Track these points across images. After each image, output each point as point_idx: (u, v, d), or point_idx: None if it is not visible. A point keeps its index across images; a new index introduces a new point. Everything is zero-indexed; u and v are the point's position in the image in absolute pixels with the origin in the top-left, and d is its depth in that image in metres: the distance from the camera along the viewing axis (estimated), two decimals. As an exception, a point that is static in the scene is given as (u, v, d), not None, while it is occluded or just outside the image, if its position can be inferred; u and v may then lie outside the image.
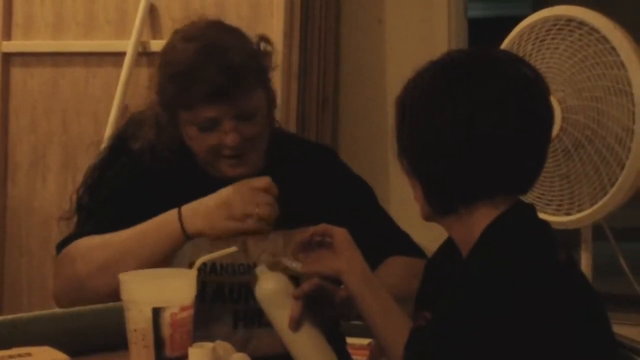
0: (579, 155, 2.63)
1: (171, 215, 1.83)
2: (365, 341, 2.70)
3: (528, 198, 2.60)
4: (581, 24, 2.64)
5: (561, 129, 2.64)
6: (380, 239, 1.86)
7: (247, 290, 1.93)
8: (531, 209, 1.61)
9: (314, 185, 2.02)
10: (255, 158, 1.93)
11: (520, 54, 2.63)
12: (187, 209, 1.83)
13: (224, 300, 1.96)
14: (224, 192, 1.82)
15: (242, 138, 1.90)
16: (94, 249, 1.85)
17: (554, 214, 2.67)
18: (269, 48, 1.99)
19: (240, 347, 1.79)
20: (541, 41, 2.68)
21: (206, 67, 1.85)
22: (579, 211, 2.67)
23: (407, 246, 2.04)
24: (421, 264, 1.84)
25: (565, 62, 2.64)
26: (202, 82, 1.85)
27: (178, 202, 1.87)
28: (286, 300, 1.74)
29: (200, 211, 1.82)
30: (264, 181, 1.81)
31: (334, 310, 1.79)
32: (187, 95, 1.88)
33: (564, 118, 2.64)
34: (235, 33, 1.94)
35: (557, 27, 2.67)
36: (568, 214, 2.68)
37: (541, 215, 2.55)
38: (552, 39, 2.67)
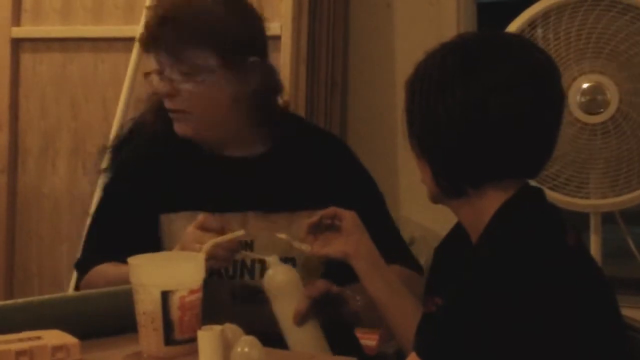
0: (635, 137, 2.59)
1: None
2: (374, 325, 2.70)
3: (560, 178, 2.58)
4: (629, 6, 2.58)
5: (618, 110, 2.60)
6: (380, 243, 1.85)
7: (242, 267, 1.95)
8: (540, 192, 1.61)
9: (321, 172, 2.02)
10: (196, 121, 1.95)
11: (551, 33, 2.59)
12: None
13: (220, 275, 1.97)
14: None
15: (175, 91, 1.94)
16: (105, 284, 1.91)
17: (587, 197, 2.62)
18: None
19: (240, 323, 1.82)
20: (582, 21, 2.59)
21: (153, 18, 1.94)
22: (622, 194, 2.63)
23: (407, 257, 2.03)
24: (418, 279, 1.85)
25: (621, 45, 2.58)
26: (144, 29, 1.96)
27: (179, 181, 1.97)
28: (293, 293, 1.76)
29: None
30: (200, 218, 1.82)
31: (339, 315, 1.81)
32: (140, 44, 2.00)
33: (621, 100, 2.60)
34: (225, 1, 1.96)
35: (600, 7, 2.59)
36: (604, 197, 2.63)
37: (571, 198, 2.55)
38: (596, 19, 2.59)
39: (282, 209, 1.98)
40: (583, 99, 2.58)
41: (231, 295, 1.97)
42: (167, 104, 1.96)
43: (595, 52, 2.59)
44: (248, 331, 1.61)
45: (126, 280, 1.68)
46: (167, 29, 1.91)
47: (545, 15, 2.61)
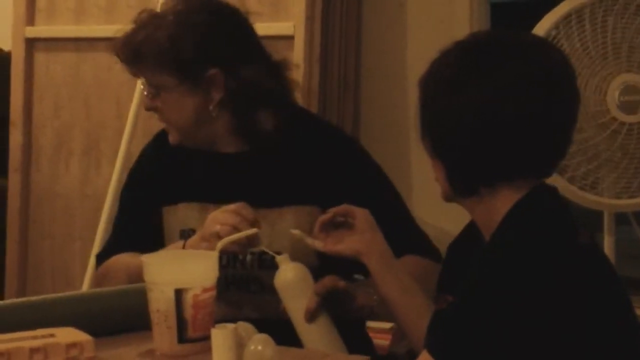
0: None
1: (178, 246, 1.96)
2: (386, 325, 2.71)
3: (591, 177, 2.55)
4: None
5: None
6: (396, 235, 1.86)
7: (234, 258, 2.00)
8: (553, 191, 1.60)
9: (323, 167, 2.03)
10: (177, 130, 2.04)
11: (588, 30, 2.56)
12: (190, 240, 1.93)
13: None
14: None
15: (151, 105, 2.04)
16: (120, 272, 2.02)
17: (618, 197, 2.61)
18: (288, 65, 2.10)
19: (235, 309, 1.93)
20: (616, 19, 2.57)
21: (121, 38, 2.02)
22: None
23: (424, 247, 2.04)
24: (435, 268, 1.86)
25: None
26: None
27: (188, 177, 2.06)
28: (304, 291, 1.77)
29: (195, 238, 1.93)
30: (236, 204, 1.87)
31: (348, 310, 1.81)
32: None
33: None
34: (182, 18, 2.01)
35: (632, 8, 2.58)
36: (633, 197, 2.63)
37: (600, 197, 2.53)
38: (631, 18, 2.57)
39: (269, 204, 2.01)
40: (621, 98, 2.57)
41: (225, 283, 1.99)
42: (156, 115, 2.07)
43: (632, 50, 2.56)
44: (241, 318, 1.66)
45: (137, 266, 1.72)
46: (126, 51, 2.01)
47: (579, 12, 2.58)
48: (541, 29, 2.58)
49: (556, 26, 2.58)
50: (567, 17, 2.58)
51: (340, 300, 1.79)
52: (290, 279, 1.78)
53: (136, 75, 2.08)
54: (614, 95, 2.57)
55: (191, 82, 1.99)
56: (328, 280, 1.78)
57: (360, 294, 1.83)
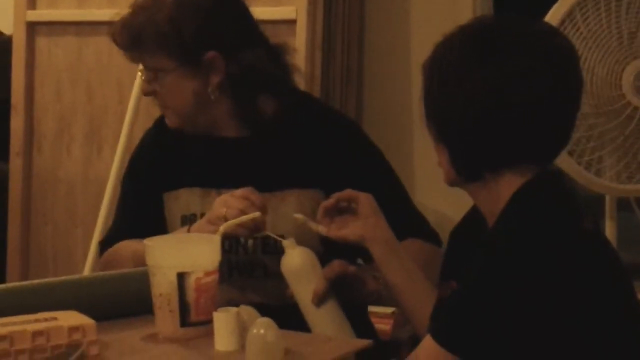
0: None
1: (183, 231, 1.96)
2: (388, 310, 2.71)
3: (603, 162, 2.54)
4: None
5: None
6: (397, 219, 1.86)
7: (237, 243, 1.99)
8: (558, 176, 1.60)
9: (323, 151, 2.03)
10: (176, 114, 2.04)
11: (604, 13, 2.55)
12: (197, 224, 1.94)
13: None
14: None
15: (149, 90, 2.04)
16: (126, 258, 2.01)
17: (625, 182, 2.60)
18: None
19: (238, 294, 1.93)
20: (630, 2, 2.55)
21: (117, 23, 2.03)
22: None
23: (424, 230, 2.04)
24: (436, 252, 1.86)
25: None
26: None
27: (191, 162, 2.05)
28: (312, 275, 1.77)
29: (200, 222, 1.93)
30: (244, 189, 1.88)
31: (358, 295, 1.81)
32: None
33: None
34: (182, 0, 2.00)
35: None
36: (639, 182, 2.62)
37: (609, 182, 2.53)
38: None
39: (272, 188, 2.00)
40: (636, 83, 2.55)
41: (228, 268, 1.99)
42: (154, 100, 2.07)
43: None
44: (245, 303, 1.66)
45: (140, 255, 1.72)
46: (125, 35, 2.01)
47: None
48: (554, 17, 2.56)
49: (571, 10, 2.56)
50: (581, 3, 2.57)
51: (349, 285, 1.79)
52: (298, 264, 1.78)
53: (134, 60, 2.07)
54: (629, 79, 2.55)
55: (190, 65, 1.99)
56: (337, 265, 1.78)
57: (369, 279, 1.82)
